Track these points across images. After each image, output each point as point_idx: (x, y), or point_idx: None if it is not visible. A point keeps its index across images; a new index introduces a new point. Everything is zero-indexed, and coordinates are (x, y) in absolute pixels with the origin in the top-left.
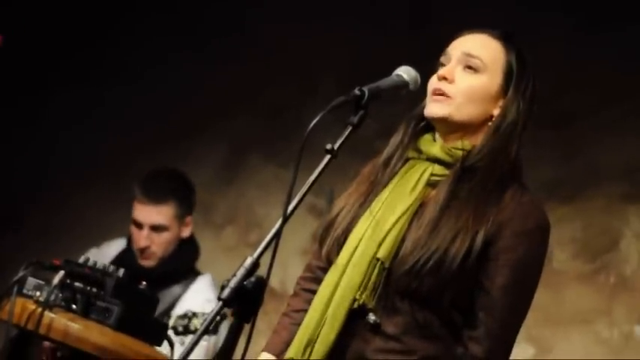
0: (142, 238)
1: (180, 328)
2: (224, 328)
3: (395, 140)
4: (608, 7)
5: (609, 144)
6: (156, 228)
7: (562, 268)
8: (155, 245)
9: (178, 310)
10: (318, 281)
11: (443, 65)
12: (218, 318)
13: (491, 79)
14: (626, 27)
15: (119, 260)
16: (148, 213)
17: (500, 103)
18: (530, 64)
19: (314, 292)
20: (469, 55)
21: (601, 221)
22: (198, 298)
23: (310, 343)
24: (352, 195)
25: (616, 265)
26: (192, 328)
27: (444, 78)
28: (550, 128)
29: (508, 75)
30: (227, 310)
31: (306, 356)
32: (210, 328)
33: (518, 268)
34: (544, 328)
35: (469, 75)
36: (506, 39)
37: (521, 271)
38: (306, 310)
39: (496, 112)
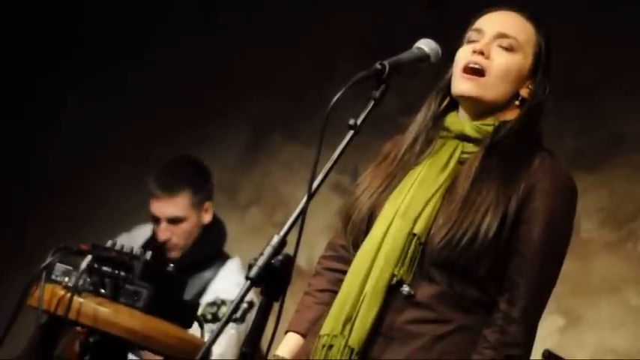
0: (160, 231)
1: (209, 316)
2: (251, 318)
3: (419, 120)
4: None
5: (630, 112)
6: (173, 220)
7: (589, 237)
8: (175, 237)
9: (208, 296)
10: (341, 260)
11: (471, 41)
12: (246, 306)
13: (524, 60)
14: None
15: (147, 246)
16: (162, 207)
17: (528, 83)
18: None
19: (337, 271)
20: (504, 35)
21: (625, 189)
22: (227, 282)
23: (349, 320)
24: (374, 175)
25: None
26: (220, 315)
27: (481, 52)
28: (570, 100)
29: (538, 57)
30: (255, 299)
31: (345, 332)
32: (238, 317)
33: (550, 228)
34: (573, 299)
35: (505, 53)
36: (537, 21)
37: (553, 230)
38: (329, 290)
39: (523, 91)
